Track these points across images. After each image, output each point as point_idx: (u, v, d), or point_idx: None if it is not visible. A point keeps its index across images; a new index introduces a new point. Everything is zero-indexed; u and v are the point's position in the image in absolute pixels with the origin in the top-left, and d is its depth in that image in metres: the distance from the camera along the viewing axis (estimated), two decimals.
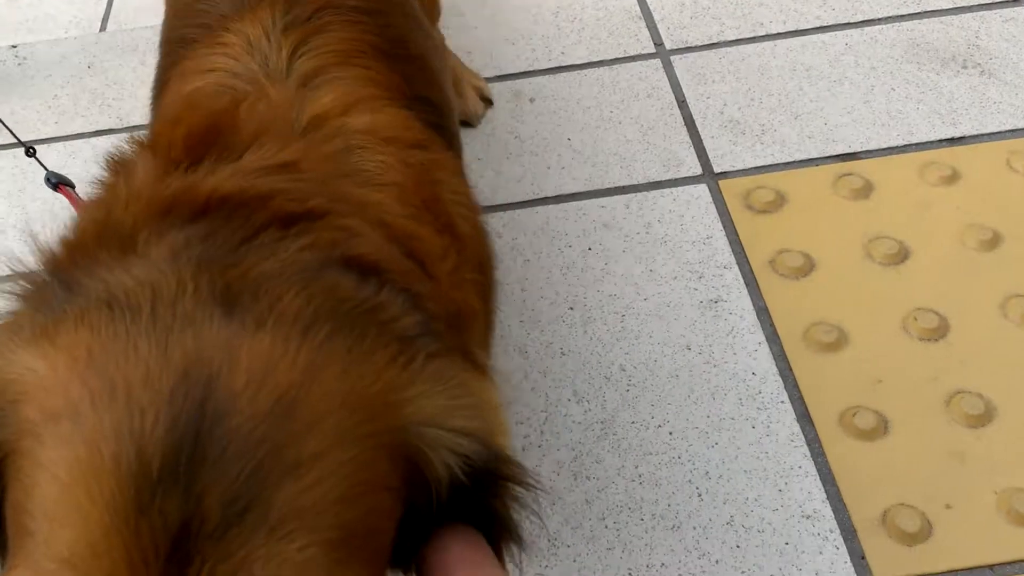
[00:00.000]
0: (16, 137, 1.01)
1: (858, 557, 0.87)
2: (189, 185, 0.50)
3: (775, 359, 1.04)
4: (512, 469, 0.44)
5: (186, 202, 0.49)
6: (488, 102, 1.39)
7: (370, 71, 0.70)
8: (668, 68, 1.40)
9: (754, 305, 1.09)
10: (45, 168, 0.90)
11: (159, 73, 0.81)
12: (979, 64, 1.32)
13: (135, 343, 0.38)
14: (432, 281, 0.55)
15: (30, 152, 0.98)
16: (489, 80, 1.42)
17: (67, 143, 1.40)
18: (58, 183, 0.86)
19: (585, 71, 1.41)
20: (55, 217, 1.13)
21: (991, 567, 0.85)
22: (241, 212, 0.48)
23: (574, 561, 0.91)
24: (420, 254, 0.56)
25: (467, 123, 1.37)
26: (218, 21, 0.72)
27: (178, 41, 0.76)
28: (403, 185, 0.60)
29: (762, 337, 1.06)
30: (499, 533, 0.45)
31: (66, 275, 0.44)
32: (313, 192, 0.52)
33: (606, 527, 0.93)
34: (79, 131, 1.41)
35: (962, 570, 0.85)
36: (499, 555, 0.47)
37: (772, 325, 1.07)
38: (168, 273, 0.41)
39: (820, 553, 0.88)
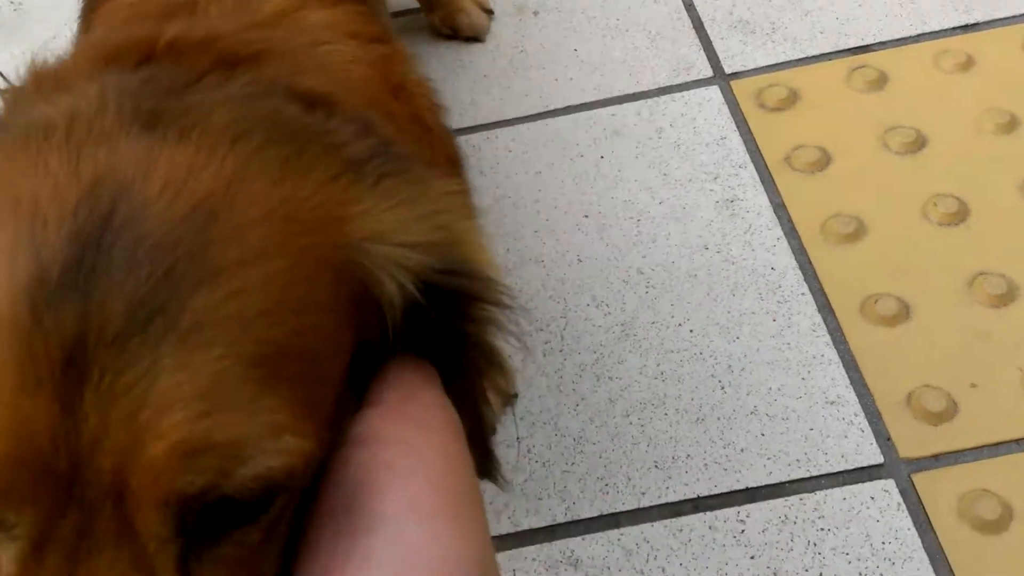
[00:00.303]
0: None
1: (883, 439, 0.88)
2: (137, 37, 0.46)
3: (794, 253, 1.03)
4: (482, 285, 0.40)
5: (132, 49, 0.45)
6: (489, 12, 1.37)
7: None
8: None
9: (771, 202, 1.08)
10: None
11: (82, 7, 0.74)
12: None
13: (45, 160, 0.34)
14: (399, 132, 0.50)
15: None
16: None
17: None
18: None
19: None
20: None
21: (1018, 441, 0.86)
22: (189, 56, 0.44)
23: (600, 458, 0.92)
24: (390, 119, 0.51)
25: (475, 38, 1.35)
26: None
27: None
28: (372, 78, 0.55)
29: (780, 233, 1.05)
30: (478, 363, 0.42)
31: None
32: (272, 44, 0.48)
33: (630, 424, 0.94)
34: None
35: (988, 445, 0.85)
36: (480, 390, 0.44)
37: (790, 220, 1.06)
38: (92, 99, 0.37)
39: (845, 437, 0.89)
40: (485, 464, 0.47)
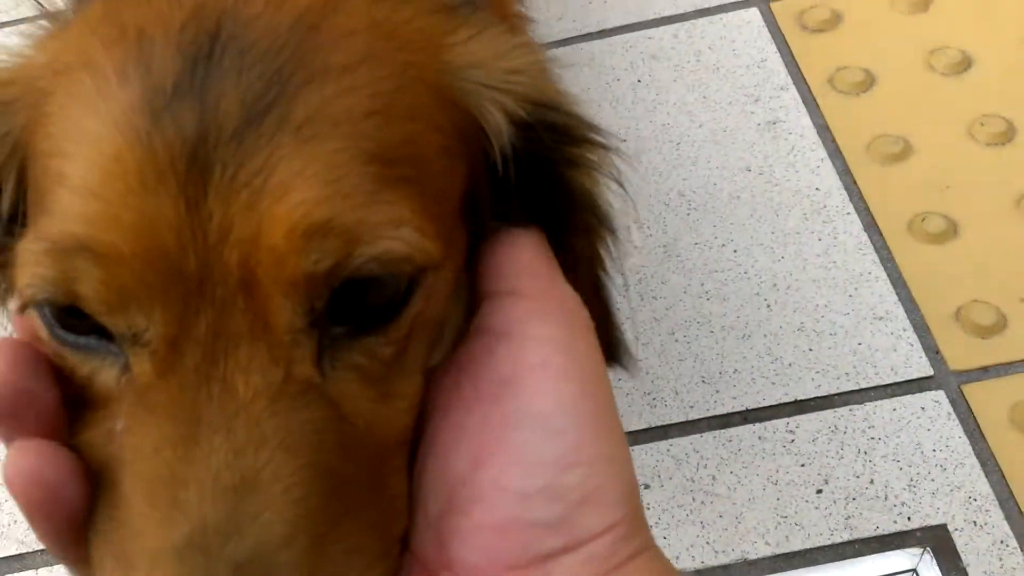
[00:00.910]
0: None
1: (933, 352, 0.88)
2: None
3: (839, 174, 1.02)
4: (580, 123, 0.39)
5: None
6: None
7: None
8: None
9: (814, 123, 1.07)
10: None
11: None
12: None
13: None
14: None
15: None
16: None
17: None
18: None
19: None
20: None
21: None
22: None
23: (647, 373, 0.92)
24: None
25: None
26: None
27: None
28: None
29: (824, 154, 1.04)
30: (588, 222, 0.41)
31: None
32: None
33: (676, 340, 0.94)
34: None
35: None
36: (592, 256, 0.43)
37: (834, 141, 1.05)
38: None
39: (894, 350, 0.89)
40: (611, 347, 0.46)
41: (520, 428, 0.34)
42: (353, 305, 0.33)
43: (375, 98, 0.34)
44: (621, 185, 0.41)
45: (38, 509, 0.32)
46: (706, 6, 1.21)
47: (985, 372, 0.86)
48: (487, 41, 0.38)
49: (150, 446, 0.31)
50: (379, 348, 0.34)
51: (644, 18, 1.22)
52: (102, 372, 0.33)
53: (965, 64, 1.07)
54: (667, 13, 1.21)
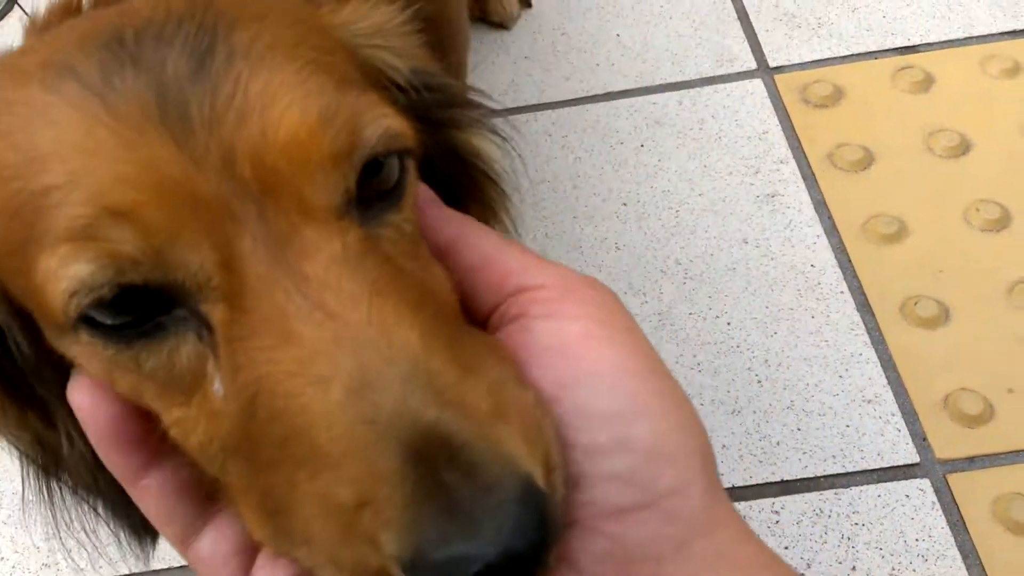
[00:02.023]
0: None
1: (920, 439, 0.89)
2: None
3: (834, 251, 1.04)
4: (462, 88, 0.42)
5: None
6: (526, 3, 1.36)
7: None
8: None
9: (812, 199, 1.08)
10: None
11: None
12: None
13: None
14: None
15: None
16: None
17: None
18: None
19: None
20: None
21: None
22: None
23: None
24: None
25: (501, 26, 1.34)
26: None
27: None
28: None
29: (820, 230, 1.06)
30: (479, 182, 0.44)
31: None
32: None
33: None
34: None
35: None
36: (489, 219, 0.46)
37: (831, 218, 1.06)
38: None
39: (881, 435, 0.90)
40: None
41: (577, 386, 0.34)
42: (370, 192, 0.36)
43: (293, 34, 0.36)
44: (507, 141, 0.44)
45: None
46: (711, 74, 1.23)
47: (970, 462, 0.86)
48: (354, 7, 0.42)
49: (272, 366, 0.32)
50: (401, 224, 0.37)
51: (649, 83, 1.24)
52: (181, 347, 0.34)
53: (964, 148, 1.09)
54: (672, 79, 1.23)
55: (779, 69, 1.21)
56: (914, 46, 1.20)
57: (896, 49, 1.20)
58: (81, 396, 0.37)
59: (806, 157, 1.12)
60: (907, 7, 1.25)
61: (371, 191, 0.36)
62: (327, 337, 0.32)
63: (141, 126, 0.33)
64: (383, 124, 0.35)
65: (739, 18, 1.28)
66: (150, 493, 0.37)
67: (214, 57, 0.34)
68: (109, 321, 0.34)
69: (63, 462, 0.43)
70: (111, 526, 0.46)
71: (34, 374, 0.40)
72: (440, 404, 0.31)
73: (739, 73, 1.22)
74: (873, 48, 1.21)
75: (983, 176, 1.06)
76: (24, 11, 1.27)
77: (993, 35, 1.20)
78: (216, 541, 0.37)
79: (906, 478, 0.87)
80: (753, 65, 1.22)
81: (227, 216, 0.33)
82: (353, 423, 0.31)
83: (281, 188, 0.33)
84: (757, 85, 1.20)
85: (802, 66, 1.20)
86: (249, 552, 0.37)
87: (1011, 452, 0.86)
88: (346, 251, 0.34)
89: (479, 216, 0.44)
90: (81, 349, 0.36)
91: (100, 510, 0.45)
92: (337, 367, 0.32)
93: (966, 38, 1.20)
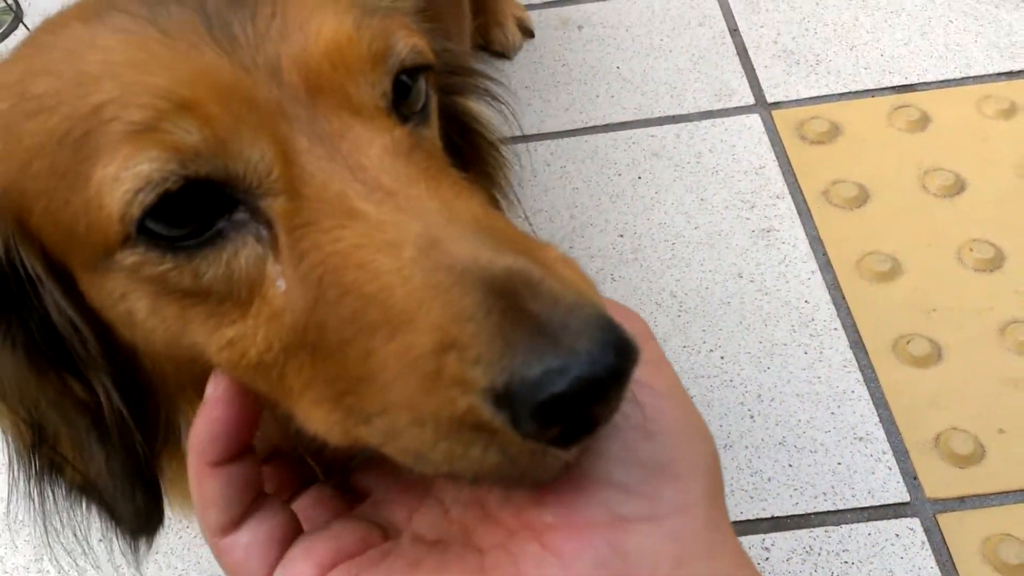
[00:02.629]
0: None
1: (910, 477, 0.89)
2: None
3: (828, 288, 1.04)
4: (462, 56, 0.46)
5: None
6: (529, 33, 1.37)
7: None
8: None
9: (807, 235, 1.09)
10: None
11: None
12: None
13: None
14: None
15: None
16: (536, 7, 1.41)
17: None
18: None
19: None
20: None
21: None
22: None
23: None
24: None
25: (503, 55, 1.36)
26: None
27: None
28: None
29: (815, 266, 1.06)
30: (477, 145, 0.46)
31: None
32: None
33: None
34: None
35: (1015, 491, 0.86)
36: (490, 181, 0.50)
37: (825, 254, 1.07)
38: None
39: (872, 473, 0.90)
40: None
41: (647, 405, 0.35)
42: (403, 111, 0.39)
43: None
44: (506, 106, 0.47)
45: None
46: (709, 108, 1.24)
47: (961, 502, 0.86)
48: None
49: (339, 243, 0.33)
50: (433, 139, 0.40)
51: (648, 116, 1.25)
52: (241, 251, 0.36)
53: (958, 187, 1.10)
54: (671, 112, 1.25)
55: (777, 105, 1.22)
56: (911, 85, 1.21)
57: (893, 87, 1.21)
58: (218, 383, 0.38)
59: (802, 193, 1.13)
60: (905, 46, 1.26)
61: (405, 110, 0.39)
62: (390, 209, 0.33)
63: (192, 41, 0.35)
64: (411, 40, 0.39)
65: (738, 53, 1.29)
66: (219, 478, 0.37)
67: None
68: (168, 232, 0.35)
69: (70, 444, 0.43)
70: (106, 525, 0.46)
71: (71, 333, 0.40)
72: (511, 251, 0.32)
73: (737, 108, 1.23)
74: (870, 86, 1.22)
75: (977, 216, 1.07)
76: (29, 29, 1.28)
77: (990, 75, 1.21)
78: (255, 531, 0.38)
79: (896, 517, 0.87)
80: (751, 100, 1.24)
81: (281, 116, 0.35)
82: (429, 272, 0.32)
83: (328, 90, 0.36)
84: (755, 120, 1.22)
85: (800, 102, 1.22)
86: (281, 543, 0.38)
87: (1001, 493, 0.86)
88: (396, 144, 0.36)
89: (481, 182, 0.47)
90: (127, 277, 0.37)
91: (98, 504, 0.45)
92: (405, 231, 0.33)
93: (963, 78, 1.21)
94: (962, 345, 0.97)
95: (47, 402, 0.41)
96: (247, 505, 0.38)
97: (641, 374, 0.35)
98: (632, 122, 1.25)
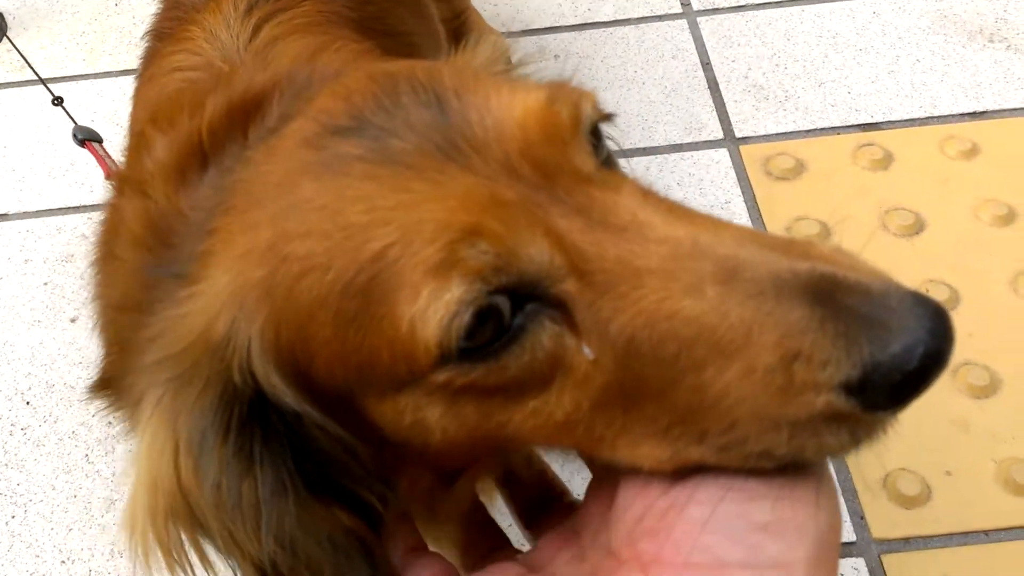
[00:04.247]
0: (47, 87, 1.02)
1: (858, 517, 0.91)
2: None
3: None
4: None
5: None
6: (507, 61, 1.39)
7: (335, 38, 0.71)
8: (694, 29, 1.39)
9: None
10: (74, 121, 0.90)
11: (140, 67, 0.82)
12: (1005, 39, 1.31)
13: None
14: None
15: (57, 102, 0.99)
16: (514, 35, 1.42)
17: (95, 81, 1.41)
18: (84, 139, 0.86)
19: (611, 29, 1.41)
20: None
21: (986, 532, 0.88)
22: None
23: None
24: None
25: None
26: (187, 13, 0.73)
27: (156, 34, 0.79)
28: None
29: None
30: None
31: None
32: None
33: None
34: (107, 69, 1.42)
35: (958, 534, 0.88)
36: None
37: None
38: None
39: None
40: None
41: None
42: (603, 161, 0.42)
43: (471, 69, 0.47)
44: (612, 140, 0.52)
45: None
46: (679, 142, 1.26)
47: (906, 543, 0.88)
48: (466, 50, 0.52)
49: (639, 303, 0.36)
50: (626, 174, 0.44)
51: (620, 147, 1.26)
52: (541, 335, 0.38)
53: (918, 227, 1.12)
54: (642, 144, 1.26)
55: (744, 140, 1.24)
56: (876, 123, 1.23)
57: (859, 125, 1.23)
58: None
59: (766, 229, 1.14)
60: (872, 84, 1.28)
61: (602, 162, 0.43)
62: (671, 256, 0.36)
63: (439, 168, 0.38)
64: (589, 99, 0.42)
65: (709, 87, 1.31)
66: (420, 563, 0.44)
67: (447, 102, 0.40)
68: (473, 344, 0.38)
69: (331, 569, 0.45)
70: None
71: (343, 459, 0.43)
72: (799, 258, 0.36)
73: (706, 142, 1.25)
74: (837, 123, 1.24)
75: (934, 256, 1.09)
76: (12, 42, 1.30)
77: (954, 116, 1.23)
78: (422, 570, 0.44)
79: (843, 556, 0.88)
80: (720, 135, 1.25)
81: (537, 208, 0.38)
82: (744, 302, 0.35)
83: (553, 166, 0.39)
84: (723, 155, 1.23)
85: (767, 138, 1.24)
86: None
87: (944, 535, 0.88)
88: (633, 197, 0.39)
89: None
90: (425, 393, 0.40)
91: None
92: (698, 272, 0.36)
93: (927, 117, 1.23)
94: None
95: (317, 536, 0.43)
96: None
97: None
98: None
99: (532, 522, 0.49)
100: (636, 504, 0.39)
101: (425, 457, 0.44)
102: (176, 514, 0.41)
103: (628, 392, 0.38)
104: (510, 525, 0.52)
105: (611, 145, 0.54)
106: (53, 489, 1.01)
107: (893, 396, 0.34)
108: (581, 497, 0.46)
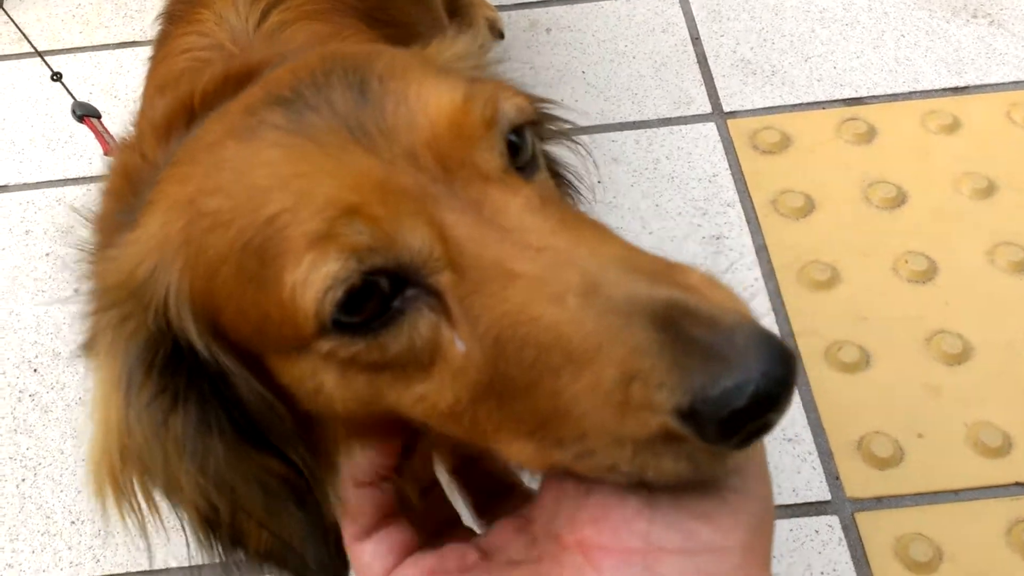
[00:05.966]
0: (45, 62, 1.03)
1: (833, 477, 0.95)
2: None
3: (770, 295, 1.10)
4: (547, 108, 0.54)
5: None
6: (499, 35, 1.41)
7: (342, 27, 0.74)
8: (684, 3, 1.41)
9: (754, 243, 1.14)
10: (73, 97, 0.92)
11: (153, 49, 0.84)
12: (989, 14, 1.34)
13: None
14: None
15: (56, 78, 1.00)
16: (507, 8, 1.44)
17: (92, 53, 1.42)
18: (83, 115, 0.87)
19: (602, 3, 1.43)
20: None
21: (956, 491, 0.93)
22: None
23: None
24: None
25: None
26: None
27: (168, 17, 0.81)
28: None
29: (759, 273, 1.12)
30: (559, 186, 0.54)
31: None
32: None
33: None
34: (103, 42, 1.44)
35: (928, 493, 0.93)
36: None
37: (770, 262, 1.12)
38: None
39: (798, 472, 0.96)
40: None
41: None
42: (515, 160, 0.43)
43: (417, 60, 0.46)
44: (582, 147, 0.58)
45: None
46: (668, 115, 1.28)
47: (878, 502, 0.93)
48: (439, 43, 0.53)
49: (507, 304, 0.38)
50: (546, 181, 0.45)
51: (610, 121, 1.29)
52: (419, 321, 0.40)
53: (899, 200, 1.15)
54: (632, 118, 1.29)
55: (732, 114, 1.27)
56: (860, 98, 1.26)
57: (844, 100, 1.26)
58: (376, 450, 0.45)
59: (751, 201, 1.18)
60: (857, 60, 1.31)
61: (519, 164, 0.44)
62: (545, 264, 0.38)
63: (342, 146, 0.40)
64: (515, 101, 0.43)
65: (698, 61, 1.34)
66: (361, 495, 0.44)
67: (370, 86, 0.42)
68: (354, 320, 0.40)
69: (265, 514, 0.48)
70: None
71: (266, 413, 0.46)
72: (662, 283, 0.37)
73: (695, 116, 1.28)
74: (822, 98, 1.27)
75: (914, 228, 1.12)
76: (12, 20, 1.31)
77: (936, 91, 1.26)
78: (380, 542, 0.45)
79: (817, 514, 0.93)
80: (708, 109, 1.28)
81: (428, 199, 0.39)
82: (598, 317, 0.36)
83: (457, 163, 0.40)
84: (711, 129, 1.26)
85: (754, 112, 1.26)
86: (399, 555, 0.44)
87: (915, 494, 0.93)
88: (528, 201, 0.40)
89: None
90: (319, 359, 0.42)
91: (286, 564, 0.50)
92: (564, 282, 0.37)
93: (910, 92, 1.26)
94: (890, 352, 1.02)
95: (248, 480, 0.46)
96: (378, 520, 0.45)
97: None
98: (594, 127, 1.29)
99: (485, 510, 0.51)
100: (579, 491, 0.40)
101: (352, 428, 0.46)
102: (123, 452, 0.45)
103: (498, 389, 0.39)
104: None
105: (568, 126, 0.58)
106: (62, 453, 1.05)
107: (723, 431, 0.34)
108: (536, 486, 0.48)
